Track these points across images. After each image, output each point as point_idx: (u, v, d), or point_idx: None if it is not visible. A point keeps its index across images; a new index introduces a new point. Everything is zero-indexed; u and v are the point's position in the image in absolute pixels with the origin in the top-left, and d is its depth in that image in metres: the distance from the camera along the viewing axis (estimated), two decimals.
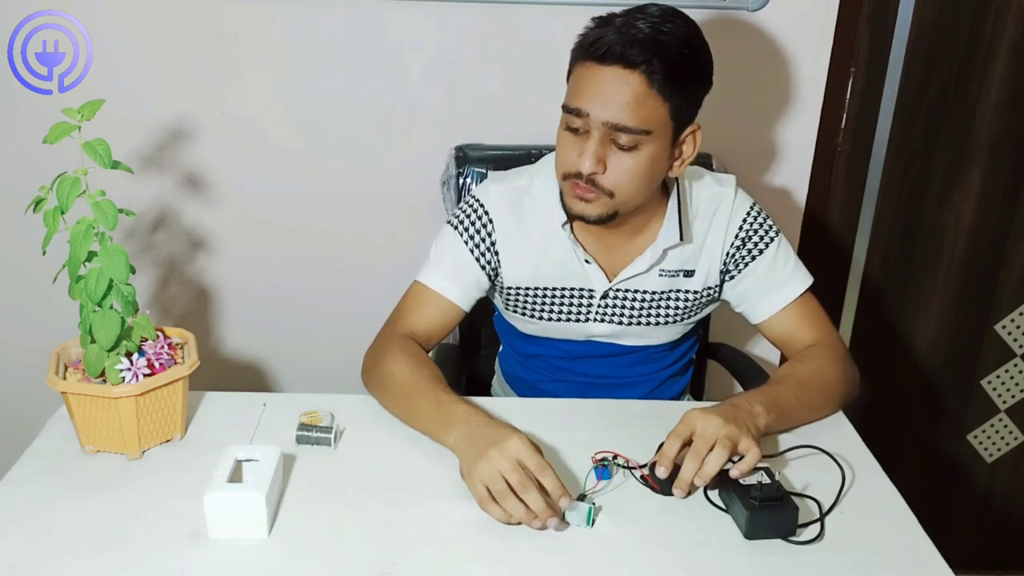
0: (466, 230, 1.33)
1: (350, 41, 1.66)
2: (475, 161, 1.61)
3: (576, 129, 1.19)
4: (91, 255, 1.09)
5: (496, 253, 1.33)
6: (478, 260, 1.33)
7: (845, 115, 1.78)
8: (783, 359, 1.42)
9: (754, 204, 1.34)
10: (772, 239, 1.32)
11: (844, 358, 1.29)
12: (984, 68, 1.75)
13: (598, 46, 1.15)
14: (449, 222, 1.36)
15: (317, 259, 1.82)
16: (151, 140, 1.69)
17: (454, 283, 1.32)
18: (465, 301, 1.34)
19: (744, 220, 1.32)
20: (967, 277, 1.91)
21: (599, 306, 1.34)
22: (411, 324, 1.31)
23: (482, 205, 1.33)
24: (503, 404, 1.27)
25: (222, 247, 1.80)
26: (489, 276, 1.34)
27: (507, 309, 1.40)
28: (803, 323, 1.32)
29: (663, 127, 1.18)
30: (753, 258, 1.32)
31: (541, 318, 1.37)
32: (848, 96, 1.77)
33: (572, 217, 1.26)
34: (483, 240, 1.32)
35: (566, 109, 1.20)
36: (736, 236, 1.32)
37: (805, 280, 1.33)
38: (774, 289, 1.32)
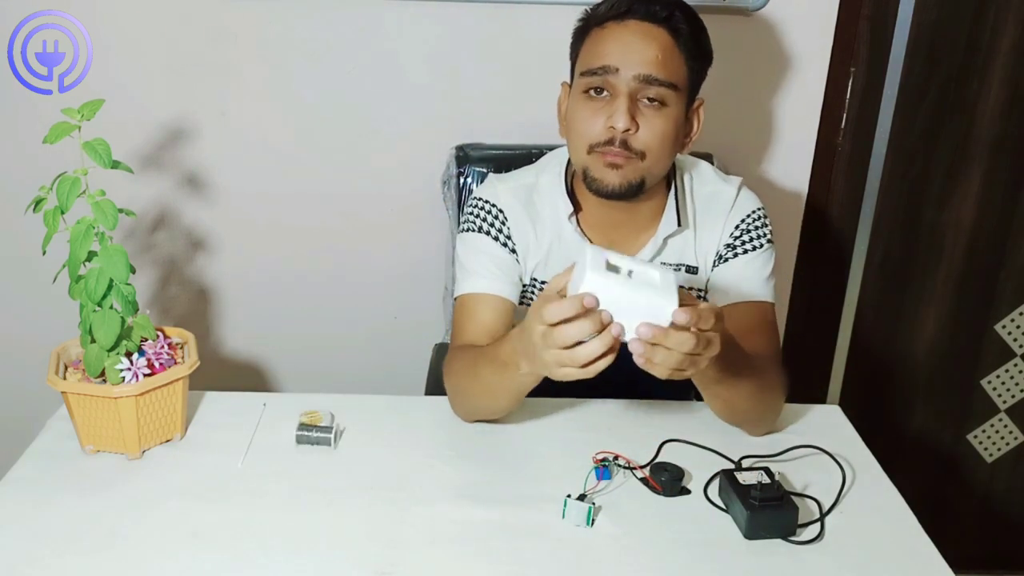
0: (490, 228, 1.32)
1: (350, 41, 1.66)
2: (475, 161, 1.61)
3: (600, 92, 1.19)
4: (91, 255, 1.09)
5: (515, 247, 1.32)
6: (512, 252, 1.31)
7: (845, 115, 1.78)
8: None
9: (760, 208, 1.34)
10: (763, 245, 1.31)
11: (783, 385, 1.25)
12: (984, 68, 1.75)
13: (617, 6, 1.19)
14: (466, 229, 1.33)
15: (317, 259, 1.82)
16: (151, 140, 1.69)
17: (498, 279, 1.30)
18: (513, 294, 1.31)
19: (743, 220, 1.32)
20: (967, 277, 1.91)
21: None
22: (469, 336, 1.28)
23: (493, 204, 1.33)
24: None
25: (222, 247, 1.80)
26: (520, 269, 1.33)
27: (518, 304, 1.40)
28: (756, 329, 1.27)
29: (684, 88, 1.21)
30: (736, 255, 1.31)
31: None
32: (848, 96, 1.77)
33: (600, 194, 1.23)
34: (506, 235, 1.31)
35: (587, 73, 1.20)
36: (731, 234, 1.32)
37: (771, 294, 1.32)
38: (742, 284, 1.30)
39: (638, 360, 0.95)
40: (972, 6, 1.70)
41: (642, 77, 1.17)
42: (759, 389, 1.18)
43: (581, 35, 1.25)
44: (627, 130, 1.17)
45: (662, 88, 1.18)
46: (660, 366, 0.95)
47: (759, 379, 1.18)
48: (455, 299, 1.33)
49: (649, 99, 1.18)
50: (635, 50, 1.17)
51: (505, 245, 1.32)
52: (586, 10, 1.25)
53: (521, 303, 1.38)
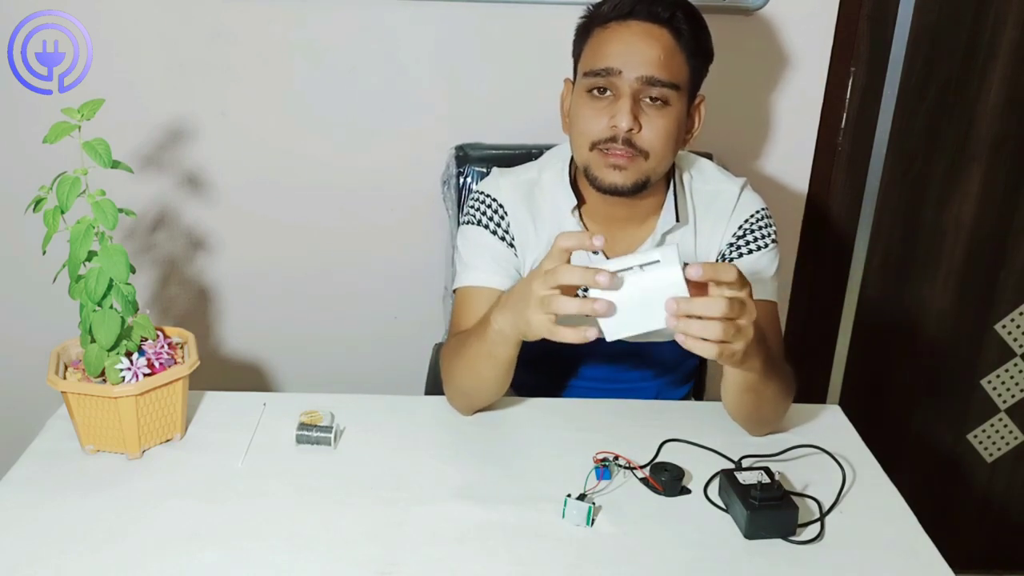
0: (490, 222, 1.32)
1: (350, 41, 1.66)
2: (475, 160, 1.61)
3: (603, 92, 1.21)
4: (91, 255, 1.09)
5: (513, 241, 1.33)
6: (511, 246, 1.32)
7: (845, 115, 1.78)
8: None
9: (764, 208, 1.34)
10: (767, 245, 1.32)
11: (793, 385, 1.24)
12: (984, 68, 1.75)
13: (620, 7, 1.20)
14: (467, 222, 1.34)
15: (317, 259, 1.82)
16: (151, 140, 1.69)
17: (495, 272, 1.31)
18: (510, 286, 1.32)
19: (747, 220, 1.32)
20: (967, 277, 1.91)
21: None
22: (465, 327, 1.28)
23: (494, 199, 1.33)
24: (504, 403, 1.28)
25: (222, 247, 1.80)
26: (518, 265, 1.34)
27: None
28: (761, 329, 1.28)
29: (685, 86, 1.22)
30: (740, 255, 1.31)
31: None
32: (848, 95, 1.77)
33: (603, 190, 1.24)
34: (504, 229, 1.32)
35: (590, 73, 1.21)
36: (734, 234, 1.32)
37: (775, 294, 1.32)
38: None
39: (680, 339, 0.97)
40: (972, 6, 1.70)
41: (645, 79, 1.18)
42: (779, 388, 1.19)
43: (584, 33, 1.26)
44: (630, 130, 1.19)
45: (664, 88, 1.19)
46: (704, 342, 0.96)
47: (780, 377, 1.18)
48: (454, 291, 1.34)
49: (651, 99, 1.20)
50: (638, 51, 1.19)
51: (503, 239, 1.32)
52: (588, 8, 1.26)
53: None
